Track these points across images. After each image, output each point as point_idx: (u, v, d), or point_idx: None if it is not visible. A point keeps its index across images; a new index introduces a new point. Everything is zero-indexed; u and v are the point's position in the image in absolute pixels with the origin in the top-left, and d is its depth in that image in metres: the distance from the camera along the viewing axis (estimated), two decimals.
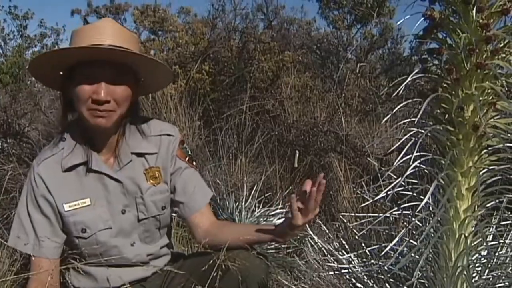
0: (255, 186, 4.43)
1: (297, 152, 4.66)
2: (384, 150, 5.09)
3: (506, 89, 2.08)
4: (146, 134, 2.38)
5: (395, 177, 2.22)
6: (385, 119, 4.63)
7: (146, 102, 5.37)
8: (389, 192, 2.10)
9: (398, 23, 10.17)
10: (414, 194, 2.22)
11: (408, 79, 2.02)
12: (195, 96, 5.67)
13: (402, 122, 2.28)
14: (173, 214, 2.67)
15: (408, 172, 2.07)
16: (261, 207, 4.31)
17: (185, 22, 10.06)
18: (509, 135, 2.08)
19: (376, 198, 2.13)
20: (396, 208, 2.29)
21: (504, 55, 2.03)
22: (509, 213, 2.36)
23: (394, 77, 8.03)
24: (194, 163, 2.52)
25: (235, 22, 7.06)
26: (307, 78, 6.02)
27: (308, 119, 5.48)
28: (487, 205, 2.24)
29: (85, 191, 2.22)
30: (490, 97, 2.07)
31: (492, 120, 2.07)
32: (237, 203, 4.32)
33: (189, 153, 2.53)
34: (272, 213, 4.26)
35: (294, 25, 13.89)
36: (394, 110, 2.27)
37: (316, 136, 5.18)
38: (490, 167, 2.16)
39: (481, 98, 2.06)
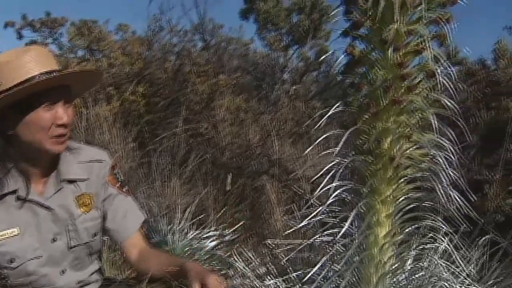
0: (189, 208, 4.46)
1: (229, 175, 4.73)
2: (315, 173, 5.22)
3: (421, 122, 2.22)
4: (77, 160, 2.39)
5: (320, 203, 2.31)
6: (309, 148, 4.75)
7: (78, 123, 5.33)
8: (313, 219, 2.19)
9: (332, 50, 10.40)
10: (337, 221, 2.32)
11: (330, 112, 2.12)
12: (129, 118, 5.67)
13: (327, 151, 2.38)
14: (105, 237, 2.68)
15: (330, 201, 2.17)
16: (194, 229, 4.34)
17: (122, 39, 10.03)
18: (423, 165, 2.22)
19: (300, 225, 2.22)
20: (320, 234, 2.38)
21: (418, 91, 2.16)
22: (426, 238, 2.49)
23: (327, 100, 8.24)
24: (125, 188, 2.55)
25: (171, 43, 7.09)
26: (241, 101, 6.11)
27: (241, 142, 5.57)
28: (405, 231, 2.36)
29: (14, 220, 2.20)
30: (406, 130, 2.19)
31: (408, 151, 2.20)
32: (170, 225, 4.34)
33: (121, 178, 2.55)
34: (205, 235, 4.30)
35: (232, 45, 14.04)
36: (319, 140, 2.37)
37: (249, 158, 5.27)
38: (407, 195, 2.28)
39: (398, 130, 2.18)
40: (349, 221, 2.12)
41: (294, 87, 8.54)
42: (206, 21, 12.75)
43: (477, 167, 6.02)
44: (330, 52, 12.63)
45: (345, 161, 2.21)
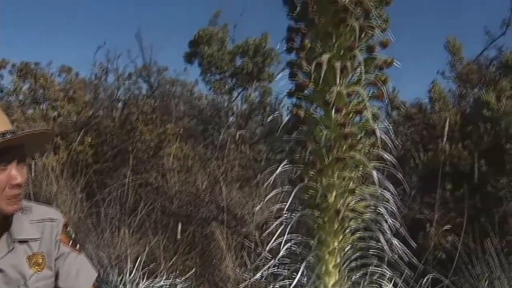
0: (139, 257, 4.46)
1: (179, 223, 4.78)
2: (264, 217, 5.32)
3: (363, 176, 2.37)
4: (29, 219, 2.39)
5: (271, 256, 2.42)
6: (257, 194, 4.87)
7: None
8: (265, 272, 2.29)
9: (277, 94, 10.66)
10: (288, 272, 2.42)
11: (278, 170, 2.25)
12: (77, 168, 5.67)
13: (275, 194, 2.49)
14: None
15: (280, 254, 2.27)
16: (145, 279, 4.34)
17: (66, 81, 9.97)
18: (367, 216, 2.36)
19: (253, 278, 2.31)
20: (272, 286, 2.47)
21: (360, 148, 2.31)
22: (373, 284, 2.61)
23: (273, 144, 8.40)
24: (78, 246, 2.56)
25: (118, 91, 7.15)
26: (189, 148, 6.20)
27: (190, 189, 5.63)
28: (353, 279, 2.48)
29: None
30: (350, 184, 2.34)
31: (352, 204, 2.34)
32: (121, 276, 4.32)
33: (73, 236, 2.57)
34: (157, 285, 4.30)
35: (176, 87, 14.12)
36: (266, 186, 2.48)
37: (198, 206, 5.33)
38: (353, 245, 2.41)
39: (342, 185, 2.32)
40: (299, 273, 2.22)
41: (239, 132, 8.67)
42: (151, 64, 12.86)
43: (418, 207, 6.25)
44: (274, 96, 12.85)
45: (294, 216, 2.33)
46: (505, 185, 6.13)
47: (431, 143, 6.36)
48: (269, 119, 10.95)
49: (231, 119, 10.26)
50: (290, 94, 2.37)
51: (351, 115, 2.30)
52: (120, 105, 7.26)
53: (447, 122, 5.39)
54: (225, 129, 9.02)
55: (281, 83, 2.45)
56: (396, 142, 2.42)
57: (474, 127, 6.63)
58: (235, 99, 15.02)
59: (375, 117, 2.35)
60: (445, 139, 5.68)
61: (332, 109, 2.26)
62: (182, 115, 8.32)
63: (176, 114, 7.66)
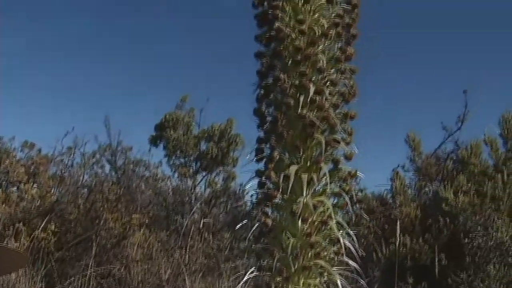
0: None
1: None
2: None
3: (328, 283, 2.44)
4: None
5: None
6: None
7: None
8: None
9: (242, 184, 10.83)
10: None
11: (245, 278, 2.31)
12: (38, 255, 5.59)
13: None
14: None
15: None
16: None
17: (28, 157, 9.90)
18: None
19: None
20: None
21: (325, 256, 2.40)
22: None
23: (237, 231, 8.44)
24: None
25: (83, 178, 7.16)
26: (153, 238, 6.19)
27: (153, 279, 5.59)
28: None
29: None
30: None
31: None
32: None
33: None
34: None
35: (140, 167, 14.14)
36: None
37: None
38: None
39: None
40: None
41: (203, 219, 8.70)
42: (117, 147, 12.94)
43: None
44: (238, 181, 12.97)
45: None
46: (464, 279, 6.26)
47: (392, 236, 6.50)
48: (233, 207, 11.05)
49: (195, 206, 10.29)
50: (258, 203, 2.47)
51: (316, 224, 2.40)
52: (85, 191, 7.25)
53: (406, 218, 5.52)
54: (189, 216, 9.05)
55: (248, 180, 2.55)
56: (359, 249, 2.52)
57: (434, 220, 6.81)
58: (199, 183, 15.10)
59: (339, 225, 2.45)
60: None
61: (299, 219, 2.36)
62: (147, 202, 8.32)
63: (141, 202, 7.66)
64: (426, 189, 7.89)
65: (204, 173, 16.13)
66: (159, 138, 15.76)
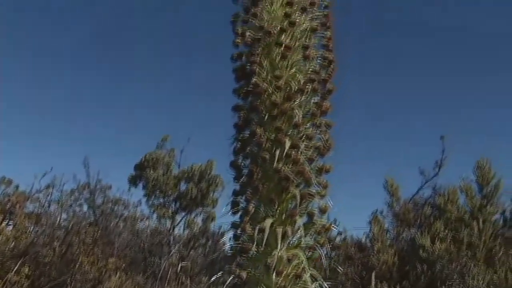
0: None
1: None
2: None
3: None
4: None
5: None
6: None
7: None
8: None
9: (219, 224, 10.79)
10: None
11: None
12: None
13: None
14: None
15: None
16: None
17: (4, 194, 9.77)
18: None
19: None
20: None
21: None
22: None
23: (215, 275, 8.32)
24: None
25: (60, 219, 7.09)
26: (130, 283, 6.11)
27: None
28: None
29: None
30: None
31: None
32: None
33: None
34: None
35: (119, 206, 14.01)
36: None
37: None
38: None
39: None
40: None
41: (181, 262, 8.62)
42: (96, 186, 12.84)
43: None
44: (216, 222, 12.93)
45: None
46: None
47: (370, 283, 6.49)
48: (211, 250, 10.96)
49: (173, 249, 10.19)
50: (233, 255, 2.48)
51: (291, 277, 2.41)
52: (62, 232, 7.16)
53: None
54: (167, 258, 8.96)
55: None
56: None
57: (411, 267, 6.84)
58: (178, 223, 14.97)
59: (313, 278, 2.46)
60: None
61: (273, 272, 2.37)
62: (124, 245, 8.23)
63: (118, 244, 7.58)
64: (404, 235, 7.94)
65: (183, 214, 16.02)
66: (139, 178, 15.67)
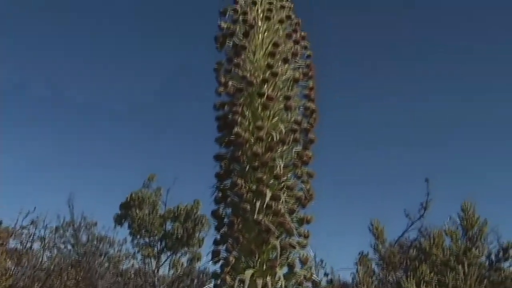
0: None
1: None
2: None
3: None
4: None
5: None
6: None
7: None
8: None
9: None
10: None
11: None
12: None
13: None
14: None
15: None
16: None
17: None
18: None
19: None
20: None
21: None
22: None
23: None
24: None
25: (42, 259, 6.99)
26: None
27: None
28: None
29: None
30: None
31: None
32: None
33: None
34: None
35: (104, 244, 13.87)
36: None
37: None
38: None
39: None
40: None
41: None
42: (80, 220, 12.73)
43: None
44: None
45: None
46: None
47: None
48: None
49: None
50: None
51: None
52: (43, 274, 7.06)
53: None
54: None
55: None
56: None
57: None
58: (163, 263, 14.83)
59: None
60: None
61: None
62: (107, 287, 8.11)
63: (100, 287, 7.47)
64: (390, 278, 7.90)
65: (168, 253, 15.89)
66: (124, 217, 15.57)
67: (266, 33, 2.79)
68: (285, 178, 2.52)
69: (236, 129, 2.51)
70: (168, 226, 15.33)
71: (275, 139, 2.51)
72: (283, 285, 2.43)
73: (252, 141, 2.51)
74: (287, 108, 2.59)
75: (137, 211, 15.06)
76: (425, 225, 9.10)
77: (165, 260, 14.86)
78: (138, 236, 15.32)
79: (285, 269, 2.51)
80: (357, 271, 7.86)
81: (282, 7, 2.88)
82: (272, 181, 2.49)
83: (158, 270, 13.57)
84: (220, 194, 2.57)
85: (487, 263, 8.16)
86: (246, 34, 2.70)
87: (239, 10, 2.79)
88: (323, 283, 7.85)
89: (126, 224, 15.53)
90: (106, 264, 11.16)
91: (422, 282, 7.00)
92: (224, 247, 2.52)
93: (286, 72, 2.70)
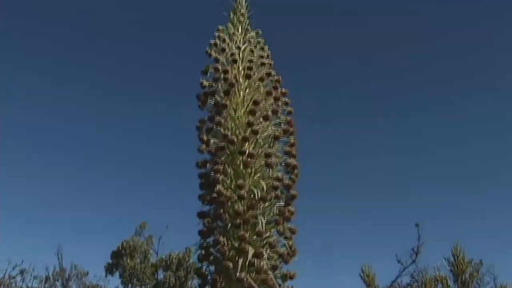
0: None
1: None
2: None
3: None
4: None
5: None
6: None
7: None
8: None
9: None
10: None
11: None
12: None
13: None
14: None
15: None
16: None
17: None
18: None
19: None
20: None
21: None
22: None
23: None
24: None
25: None
26: None
27: None
28: None
29: None
30: None
31: None
32: None
33: None
34: None
35: None
36: None
37: None
38: None
39: None
40: None
41: None
42: (70, 269, 12.57)
43: None
44: None
45: None
46: None
47: None
48: None
49: None
50: None
51: None
52: None
53: None
54: None
55: None
56: None
57: None
58: None
59: None
60: None
61: None
62: None
63: None
64: None
65: None
66: (116, 266, 15.40)
67: (247, 90, 2.85)
68: (267, 235, 2.53)
69: (218, 187, 2.53)
70: (160, 274, 15.15)
71: (256, 197, 2.54)
72: None
73: (234, 199, 2.53)
74: (268, 166, 2.62)
75: (129, 260, 14.92)
76: (418, 269, 9.05)
77: None
78: (130, 286, 15.13)
79: None
80: None
81: (263, 64, 2.95)
82: (254, 238, 2.50)
83: None
84: (203, 252, 2.57)
85: None
86: (227, 93, 2.75)
87: (220, 68, 2.85)
88: None
89: (117, 273, 15.35)
90: None
91: None
92: None
93: (267, 129, 2.74)
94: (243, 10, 3.15)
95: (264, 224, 2.50)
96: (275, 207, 2.60)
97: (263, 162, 2.65)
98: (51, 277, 12.66)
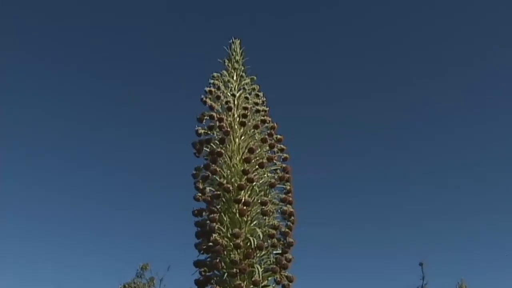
0: None
1: None
2: None
3: None
4: None
5: None
6: None
7: None
8: None
9: None
10: None
11: None
12: None
13: None
14: None
15: None
16: None
17: None
18: None
19: None
20: None
21: None
22: None
23: None
24: None
25: None
26: None
27: None
28: None
29: None
30: None
31: None
32: None
33: None
34: None
35: None
36: None
37: None
38: None
39: None
40: None
41: None
42: None
43: None
44: None
45: None
46: None
47: None
48: None
49: None
50: None
51: None
52: None
53: None
54: None
55: None
56: None
57: None
58: None
59: None
60: None
61: None
62: None
63: None
64: None
65: None
66: None
67: (242, 137, 2.86)
68: (264, 284, 2.51)
69: (213, 236, 2.52)
70: None
71: (253, 245, 2.52)
72: None
73: (230, 248, 2.51)
74: (264, 214, 2.61)
75: None
76: None
77: None
78: None
79: None
80: None
81: (258, 111, 2.96)
82: (251, 287, 2.48)
83: None
84: None
85: None
86: (222, 141, 2.76)
87: (215, 116, 2.86)
88: None
89: None
90: None
91: None
92: None
93: (262, 176, 2.74)
94: (237, 57, 3.18)
95: (260, 273, 2.48)
96: (272, 255, 2.59)
97: (259, 210, 2.64)
98: None
